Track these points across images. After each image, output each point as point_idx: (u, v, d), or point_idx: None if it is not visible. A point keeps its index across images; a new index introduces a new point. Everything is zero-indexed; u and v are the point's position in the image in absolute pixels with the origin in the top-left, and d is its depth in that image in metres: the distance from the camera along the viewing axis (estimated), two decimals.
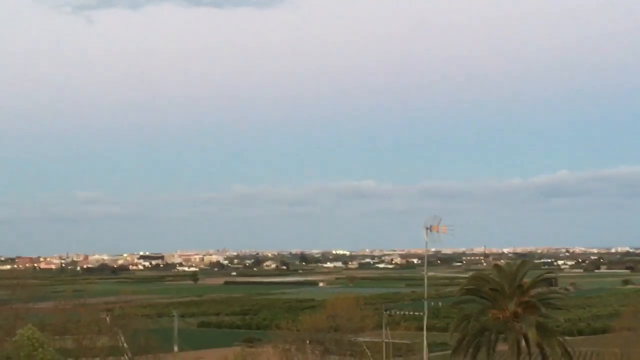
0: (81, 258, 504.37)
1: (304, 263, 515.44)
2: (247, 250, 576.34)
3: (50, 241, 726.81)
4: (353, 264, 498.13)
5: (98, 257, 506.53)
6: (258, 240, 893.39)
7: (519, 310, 45.06)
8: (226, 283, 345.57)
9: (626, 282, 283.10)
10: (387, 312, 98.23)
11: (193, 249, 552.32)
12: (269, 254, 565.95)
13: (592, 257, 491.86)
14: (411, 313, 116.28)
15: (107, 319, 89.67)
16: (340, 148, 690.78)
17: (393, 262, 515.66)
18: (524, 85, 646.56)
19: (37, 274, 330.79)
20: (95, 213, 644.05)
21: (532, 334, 43.51)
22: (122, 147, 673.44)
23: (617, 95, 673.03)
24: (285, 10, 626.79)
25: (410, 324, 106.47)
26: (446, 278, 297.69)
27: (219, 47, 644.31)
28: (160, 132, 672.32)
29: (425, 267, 66.68)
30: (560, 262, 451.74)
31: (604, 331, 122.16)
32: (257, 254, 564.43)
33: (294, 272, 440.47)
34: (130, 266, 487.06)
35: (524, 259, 65.56)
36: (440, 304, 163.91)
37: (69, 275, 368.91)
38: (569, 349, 46.15)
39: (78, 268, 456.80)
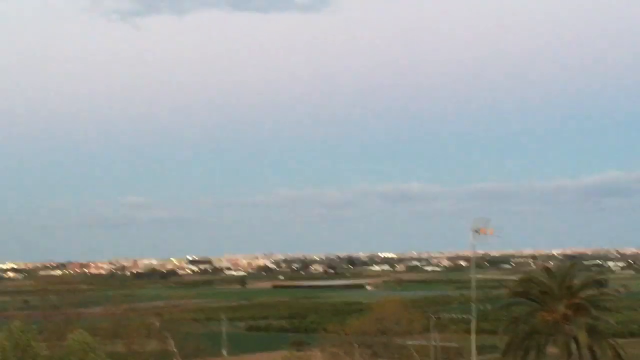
0: (130, 263, 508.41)
1: (351, 266, 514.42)
2: (294, 253, 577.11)
3: (100, 246, 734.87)
4: (400, 267, 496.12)
5: (147, 261, 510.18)
6: (305, 244, 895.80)
7: (569, 312, 44.67)
8: (274, 287, 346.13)
9: None
10: (435, 315, 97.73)
11: (241, 253, 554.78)
12: (316, 258, 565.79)
13: None
14: (459, 316, 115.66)
15: (157, 323, 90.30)
16: (386, 150, 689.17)
17: (441, 264, 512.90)
18: (572, 84, 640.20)
19: (87, 279, 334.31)
20: (144, 218, 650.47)
21: (582, 337, 43.12)
22: (170, 153, 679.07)
23: None
24: (329, 13, 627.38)
25: (458, 327, 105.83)
26: (495, 280, 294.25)
27: (263, 52, 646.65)
28: (207, 137, 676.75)
29: (472, 270, 66.40)
30: (610, 264, 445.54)
31: None
32: (305, 257, 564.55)
33: (341, 275, 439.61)
34: (179, 271, 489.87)
35: (574, 261, 65.03)
36: (488, 306, 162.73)
37: (119, 280, 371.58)
38: (620, 351, 45.65)
39: (127, 273, 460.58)
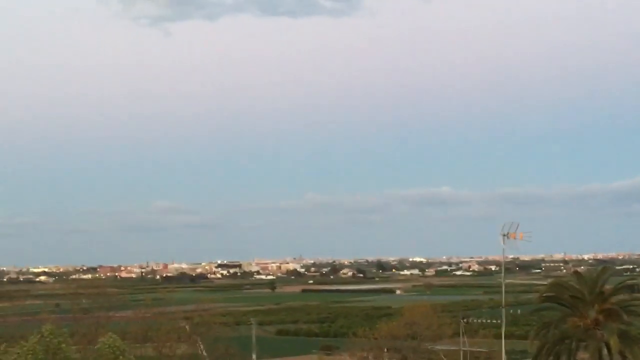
0: (161, 267, 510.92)
1: (380, 271, 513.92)
2: (323, 258, 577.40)
3: (130, 250, 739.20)
4: (430, 271, 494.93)
5: (177, 265, 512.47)
6: (334, 248, 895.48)
7: (600, 317, 44.33)
8: (303, 291, 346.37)
9: None
10: (465, 319, 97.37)
11: (270, 257, 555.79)
12: (346, 262, 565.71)
13: None
14: (489, 321, 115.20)
15: (187, 327, 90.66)
16: (416, 154, 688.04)
17: (470, 269, 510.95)
18: (603, 86, 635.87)
19: (117, 282, 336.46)
20: (174, 222, 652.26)
21: (614, 342, 42.76)
22: (200, 157, 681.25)
23: None
24: (361, 17, 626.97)
25: (488, 331, 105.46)
26: (525, 285, 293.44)
27: (294, 56, 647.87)
28: (237, 141, 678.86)
29: (502, 274, 66.09)
30: None
31: None
32: (334, 261, 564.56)
33: (371, 279, 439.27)
34: (209, 275, 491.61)
35: (605, 266, 64.39)
36: (519, 311, 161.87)
37: (149, 284, 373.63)
38: None
39: (158, 277, 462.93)
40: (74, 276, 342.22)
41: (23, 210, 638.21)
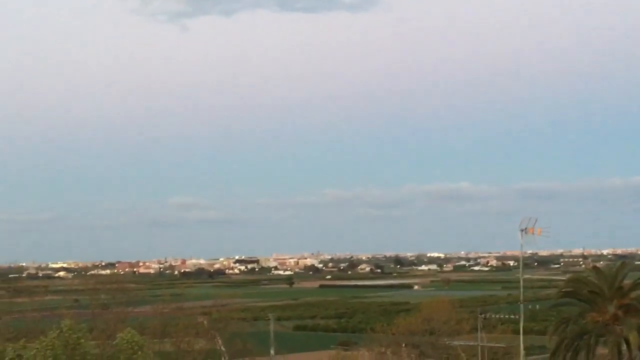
0: (179, 262, 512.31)
1: (398, 266, 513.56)
2: (341, 253, 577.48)
3: (149, 246, 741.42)
4: (448, 267, 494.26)
5: (195, 261, 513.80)
6: (352, 244, 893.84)
7: (619, 313, 44.19)
8: (321, 286, 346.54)
9: None
10: (483, 315, 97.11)
11: (288, 252, 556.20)
12: (364, 257, 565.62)
13: None
14: (507, 316, 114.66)
15: (205, 322, 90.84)
16: (434, 149, 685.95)
17: (488, 264, 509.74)
18: (622, 80, 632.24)
19: (136, 278, 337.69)
20: (192, 218, 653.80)
21: (633, 337, 42.61)
22: (217, 152, 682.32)
23: None
24: (378, 12, 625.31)
25: (506, 327, 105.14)
26: (543, 280, 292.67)
27: (312, 52, 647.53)
28: (254, 137, 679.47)
29: (520, 270, 65.94)
30: None
31: None
32: (352, 257, 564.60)
33: (389, 275, 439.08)
34: (227, 270, 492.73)
35: (624, 261, 64.17)
36: (537, 306, 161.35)
37: (167, 280, 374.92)
38: None
39: (176, 272, 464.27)
40: (92, 272, 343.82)
41: (42, 207, 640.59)
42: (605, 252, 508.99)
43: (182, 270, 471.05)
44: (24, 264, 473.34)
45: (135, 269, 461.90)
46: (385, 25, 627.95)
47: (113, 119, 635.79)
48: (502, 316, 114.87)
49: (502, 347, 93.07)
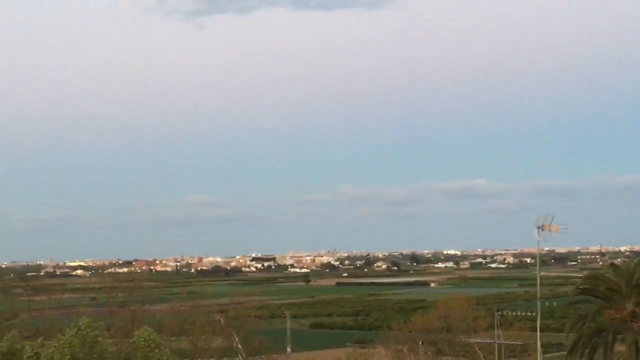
0: (195, 260, 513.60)
1: (414, 263, 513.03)
2: (357, 251, 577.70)
3: (165, 244, 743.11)
4: (464, 264, 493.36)
5: (212, 259, 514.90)
6: (369, 241, 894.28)
7: (637, 310, 44.00)
8: (337, 284, 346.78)
9: None
10: (500, 312, 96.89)
11: (304, 250, 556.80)
12: (380, 255, 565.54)
13: None
14: (524, 313, 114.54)
15: (222, 320, 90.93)
16: (450, 147, 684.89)
17: (505, 261, 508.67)
18: (637, 77, 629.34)
19: (153, 276, 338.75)
20: (208, 216, 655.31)
21: None
22: (234, 151, 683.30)
23: None
24: (394, 10, 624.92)
25: (523, 324, 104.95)
26: (560, 277, 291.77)
27: (326, 49, 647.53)
28: (270, 135, 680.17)
29: (537, 267, 65.77)
30: None
31: None
32: (368, 254, 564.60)
33: (405, 272, 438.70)
34: (243, 268, 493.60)
35: None
36: (554, 303, 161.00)
37: (184, 277, 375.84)
38: None
39: (192, 270, 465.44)
40: (109, 270, 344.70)
41: (59, 206, 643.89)
42: (622, 248, 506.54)
43: (199, 268, 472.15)
44: (41, 263, 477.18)
45: (152, 267, 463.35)
46: (401, 22, 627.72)
47: (129, 117, 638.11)
48: (519, 313, 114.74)
49: (519, 344, 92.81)
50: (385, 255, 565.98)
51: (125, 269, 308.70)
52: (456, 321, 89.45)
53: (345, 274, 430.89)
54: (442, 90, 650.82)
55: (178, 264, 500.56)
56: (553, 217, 53.92)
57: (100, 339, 33.60)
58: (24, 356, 34.47)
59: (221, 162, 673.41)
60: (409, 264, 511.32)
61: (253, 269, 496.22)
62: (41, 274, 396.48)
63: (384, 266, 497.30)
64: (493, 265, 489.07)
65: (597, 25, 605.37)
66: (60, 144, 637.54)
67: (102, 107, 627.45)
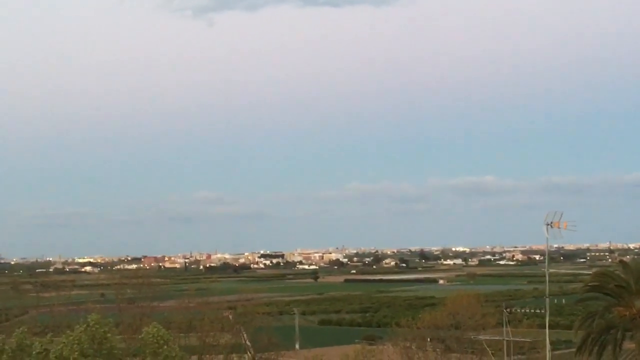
0: (204, 257, 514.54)
1: (423, 260, 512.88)
2: (366, 248, 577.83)
3: (174, 241, 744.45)
4: (473, 261, 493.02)
5: (220, 256, 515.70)
6: (377, 238, 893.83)
7: None
8: (346, 281, 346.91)
9: None
10: (508, 309, 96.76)
11: (313, 247, 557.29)
12: (388, 252, 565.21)
13: None
14: (533, 310, 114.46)
15: (230, 317, 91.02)
16: (459, 143, 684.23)
17: (514, 258, 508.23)
18: None
19: (162, 273, 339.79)
20: (217, 213, 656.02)
21: None
22: (243, 148, 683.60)
23: None
24: (402, 6, 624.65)
25: (532, 321, 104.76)
26: (569, 274, 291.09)
27: (335, 46, 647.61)
28: (279, 132, 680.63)
29: (546, 264, 65.51)
30: None
31: None
32: (377, 251, 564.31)
33: (414, 269, 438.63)
34: (252, 265, 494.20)
35: None
36: (563, 301, 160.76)
37: (193, 274, 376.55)
38: None
39: (201, 267, 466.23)
40: (118, 266, 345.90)
41: (69, 202, 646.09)
42: (632, 246, 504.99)
43: (208, 265, 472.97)
44: (50, 259, 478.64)
45: (160, 264, 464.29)
46: (409, 19, 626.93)
47: (138, 114, 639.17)
48: (527, 310, 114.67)
49: (528, 341, 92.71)
50: (393, 252, 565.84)
51: (134, 266, 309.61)
52: (465, 318, 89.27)
53: (353, 271, 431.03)
54: (451, 87, 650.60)
55: (187, 260, 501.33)
56: (562, 214, 53.72)
57: (109, 335, 33.71)
58: (33, 352, 34.57)
59: (230, 159, 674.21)
60: (417, 260, 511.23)
61: (262, 265, 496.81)
62: (50, 270, 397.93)
63: (393, 263, 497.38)
64: (502, 262, 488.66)
65: (605, 22, 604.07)
66: (70, 141, 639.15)
67: (112, 105, 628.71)
